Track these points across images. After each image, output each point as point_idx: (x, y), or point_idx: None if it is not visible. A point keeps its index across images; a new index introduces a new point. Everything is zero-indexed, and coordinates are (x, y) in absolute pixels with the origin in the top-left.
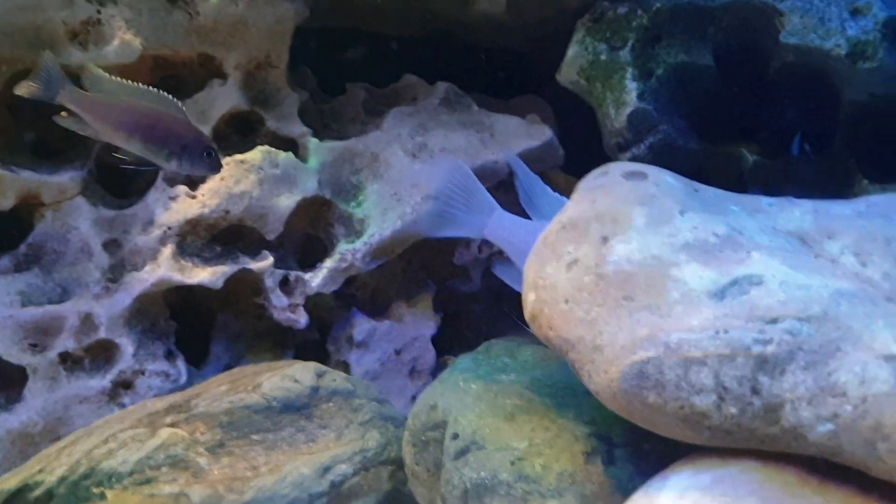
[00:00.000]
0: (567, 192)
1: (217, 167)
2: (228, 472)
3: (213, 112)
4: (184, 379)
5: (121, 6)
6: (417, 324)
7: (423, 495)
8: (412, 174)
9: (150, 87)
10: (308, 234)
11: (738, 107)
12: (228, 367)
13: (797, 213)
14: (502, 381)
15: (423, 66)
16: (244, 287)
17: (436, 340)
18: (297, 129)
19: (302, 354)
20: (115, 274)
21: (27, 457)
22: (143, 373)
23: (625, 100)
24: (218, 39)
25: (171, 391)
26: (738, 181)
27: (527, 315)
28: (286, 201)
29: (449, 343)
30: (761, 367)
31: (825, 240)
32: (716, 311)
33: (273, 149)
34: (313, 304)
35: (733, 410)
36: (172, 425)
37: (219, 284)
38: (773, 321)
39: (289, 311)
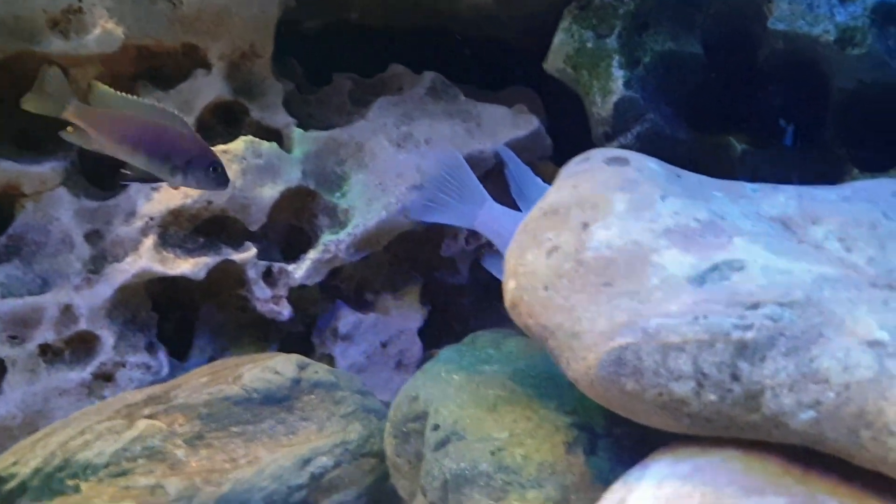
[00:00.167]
0: None
1: (224, 182)
2: (206, 464)
3: (197, 102)
4: (165, 371)
5: None
6: (404, 316)
7: (404, 487)
8: (397, 164)
9: (156, 103)
10: (292, 225)
11: (727, 95)
12: (212, 359)
13: (781, 198)
14: (485, 372)
15: (412, 58)
16: (227, 278)
17: (423, 333)
18: (281, 119)
19: (287, 347)
20: (97, 265)
21: (5, 450)
22: (123, 365)
23: (611, 88)
24: (202, 29)
25: (152, 383)
26: (727, 170)
27: (507, 303)
28: (269, 192)
29: (437, 336)
30: (741, 353)
31: (809, 225)
32: (695, 297)
33: (256, 139)
34: (298, 296)
35: (712, 397)
36: (151, 417)
37: (201, 276)
38: (754, 306)
39: (272, 303)
